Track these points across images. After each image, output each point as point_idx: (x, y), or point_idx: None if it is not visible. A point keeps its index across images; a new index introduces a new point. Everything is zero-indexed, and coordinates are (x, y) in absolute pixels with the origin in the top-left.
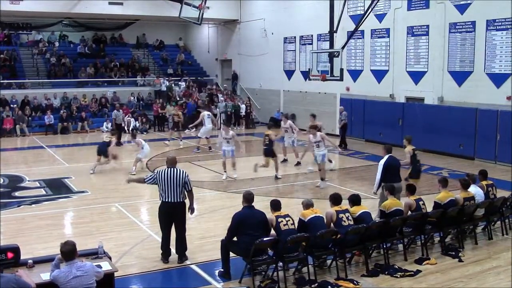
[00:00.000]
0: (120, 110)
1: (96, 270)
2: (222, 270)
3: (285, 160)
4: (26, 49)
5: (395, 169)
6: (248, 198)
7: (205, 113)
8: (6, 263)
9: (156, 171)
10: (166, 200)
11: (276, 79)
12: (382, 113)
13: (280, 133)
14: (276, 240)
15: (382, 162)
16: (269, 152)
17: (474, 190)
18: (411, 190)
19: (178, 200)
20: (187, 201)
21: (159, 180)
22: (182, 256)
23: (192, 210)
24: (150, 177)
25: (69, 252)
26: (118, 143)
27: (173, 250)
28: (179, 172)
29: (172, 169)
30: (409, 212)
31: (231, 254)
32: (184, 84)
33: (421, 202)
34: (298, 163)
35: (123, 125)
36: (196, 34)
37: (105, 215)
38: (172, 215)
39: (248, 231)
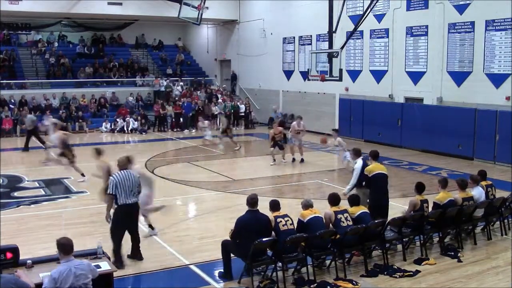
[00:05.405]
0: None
1: (91, 268)
2: (222, 271)
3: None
4: (25, 49)
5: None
6: (252, 202)
7: None
8: (5, 263)
9: (112, 176)
10: (126, 202)
11: (275, 79)
12: (381, 114)
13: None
14: (275, 241)
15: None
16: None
17: (478, 192)
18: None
19: (135, 200)
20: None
21: (119, 184)
22: (140, 257)
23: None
24: (110, 187)
25: (64, 244)
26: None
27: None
28: (132, 174)
29: (127, 171)
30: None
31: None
32: (181, 85)
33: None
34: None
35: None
36: (195, 34)
37: (104, 215)
38: (131, 217)
39: (252, 236)
